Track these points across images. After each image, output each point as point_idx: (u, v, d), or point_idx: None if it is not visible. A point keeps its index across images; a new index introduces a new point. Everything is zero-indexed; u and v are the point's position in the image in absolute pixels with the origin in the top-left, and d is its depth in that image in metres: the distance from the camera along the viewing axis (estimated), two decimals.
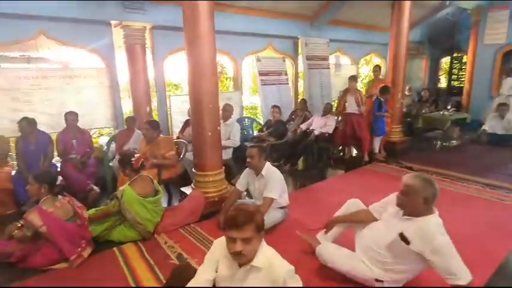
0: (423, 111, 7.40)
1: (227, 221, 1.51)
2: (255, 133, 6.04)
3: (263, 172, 3.07)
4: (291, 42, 7.13)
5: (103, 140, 5.25)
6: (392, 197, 2.17)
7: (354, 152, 5.97)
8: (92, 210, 3.03)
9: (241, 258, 1.50)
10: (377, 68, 6.20)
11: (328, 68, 7.41)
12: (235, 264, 1.57)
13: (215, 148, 3.58)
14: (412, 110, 7.53)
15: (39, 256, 2.55)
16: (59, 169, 4.25)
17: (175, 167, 3.94)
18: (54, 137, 4.43)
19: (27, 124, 4.05)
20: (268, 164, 3.12)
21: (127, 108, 5.81)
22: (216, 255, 1.65)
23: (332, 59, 7.82)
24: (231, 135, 4.58)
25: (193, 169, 3.68)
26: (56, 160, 4.47)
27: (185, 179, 4.25)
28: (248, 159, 3.04)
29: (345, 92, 5.48)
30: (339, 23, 7.34)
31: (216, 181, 3.61)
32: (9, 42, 4.29)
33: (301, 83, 7.38)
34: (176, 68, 6.71)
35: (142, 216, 2.93)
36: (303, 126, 5.78)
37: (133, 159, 2.93)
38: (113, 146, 4.83)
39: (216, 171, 3.61)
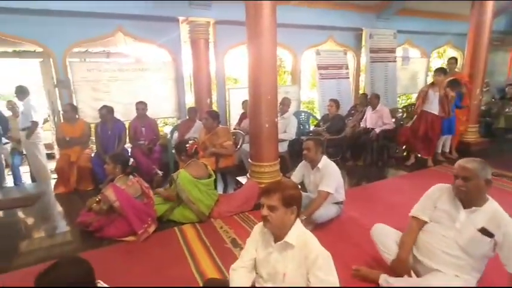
0: (506, 110, 6.51)
1: (262, 189, 1.64)
2: (311, 128, 5.94)
3: (319, 165, 3.01)
4: (354, 35, 6.82)
5: (167, 129, 5.65)
6: (436, 193, 2.05)
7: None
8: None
9: (267, 224, 1.56)
10: (453, 61, 5.58)
11: (395, 61, 6.92)
12: (271, 242, 1.62)
13: (271, 140, 3.61)
14: (492, 108, 6.67)
15: (113, 228, 2.86)
16: (129, 153, 4.69)
17: (232, 156, 4.07)
18: (126, 124, 4.89)
19: (106, 112, 4.55)
20: (325, 158, 3.05)
21: (189, 100, 6.15)
22: (256, 236, 1.72)
23: (399, 52, 7.28)
24: (287, 128, 4.57)
25: (249, 159, 3.77)
26: (127, 145, 4.94)
27: (240, 169, 4.38)
28: (304, 152, 3.01)
29: (429, 86, 4.82)
30: (408, 12, 6.79)
31: (272, 172, 3.64)
32: (92, 38, 4.84)
33: (363, 77, 7.03)
34: (236, 62, 6.87)
35: (195, 196, 3.10)
36: (350, 123, 5.47)
37: (187, 145, 3.12)
38: (175, 134, 5.17)
39: (272, 163, 3.64)
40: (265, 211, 1.54)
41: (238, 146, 4.29)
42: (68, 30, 4.57)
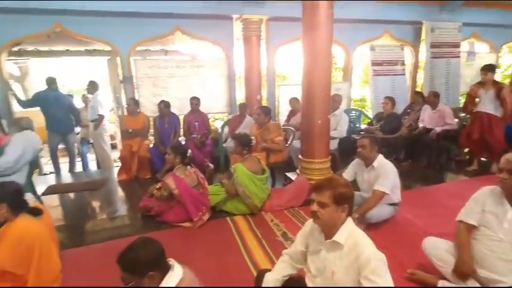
0: None
1: (313, 185, 1.66)
2: (362, 126, 5.75)
3: (374, 164, 2.91)
4: (413, 28, 6.43)
5: (218, 124, 5.85)
6: (483, 195, 1.97)
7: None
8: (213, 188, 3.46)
9: (316, 219, 1.57)
10: None
11: (459, 56, 6.39)
12: (321, 238, 1.62)
13: (323, 136, 3.58)
14: None
15: (171, 213, 3.07)
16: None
17: (282, 152, 4.10)
18: (181, 118, 5.17)
19: (164, 106, 4.86)
20: (380, 157, 2.95)
21: (239, 96, 6.30)
22: (307, 231, 1.73)
23: (464, 46, 6.71)
24: (338, 126, 4.49)
25: (299, 155, 3.77)
26: (181, 138, 5.22)
27: (288, 165, 4.40)
28: (359, 149, 2.94)
29: (478, 85, 4.55)
30: (476, 3, 6.21)
31: (322, 169, 3.62)
32: (154, 37, 5.17)
33: (421, 73, 6.61)
34: (285, 59, 6.87)
35: (251, 190, 3.19)
36: (406, 122, 5.14)
37: (252, 143, 3.23)
38: (226, 129, 5.34)
39: (323, 159, 3.61)
40: (315, 207, 1.55)
41: (289, 142, 4.31)
42: (132, 30, 4.94)
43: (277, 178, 4.30)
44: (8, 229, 2.05)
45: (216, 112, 5.96)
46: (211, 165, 4.80)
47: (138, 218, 3.40)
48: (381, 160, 2.92)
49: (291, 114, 5.39)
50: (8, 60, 5.23)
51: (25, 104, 4.69)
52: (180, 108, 5.35)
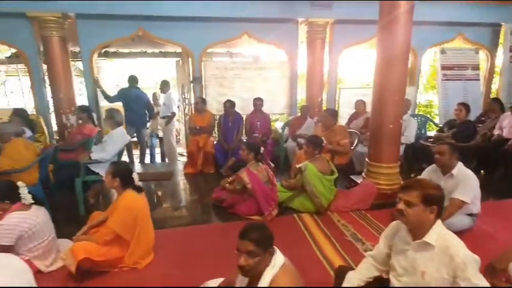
0: None
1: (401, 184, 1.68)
2: (428, 133, 5.50)
3: (454, 172, 2.82)
4: (490, 31, 5.99)
5: (278, 125, 6.00)
6: None
7: None
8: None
9: (401, 218, 1.58)
10: None
11: None
12: (407, 238, 1.63)
13: (393, 141, 3.53)
14: None
15: (243, 206, 3.27)
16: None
17: (347, 154, 4.11)
18: (244, 117, 5.39)
19: (230, 105, 5.12)
20: (460, 165, 2.84)
21: (299, 97, 6.38)
22: (392, 231, 1.75)
23: None
24: (406, 131, 4.36)
25: (366, 159, 3.75)
26: (243, 137, 5.45)
27: (350, 168, 4.39)
28: (437, 156, 2.86)
29: None
30: None
31: (390, 174, 3.57)
32: (223, 40, 5.48)
33: (496, 79, 6.13)
34: (343, 62, 6.77)
35: (319, 189, 3.26)
36: (480, 130, 4.77)
37: (323, 143, 3.32)
38: (286, 130, 5.47)
39: (391, 164, 3.56)
40: (401, 205, 1.57)
41: (354, 145, 4.30)
42: (204, 34, 5.29)
43: (340, 180, 4.31)
44: (118, 200, 2.42)
45: (277, 113, 6.12)
46: (272, 164, 4.94)
47: (209, 208, 3.66)
48: (461, 168, 2.81)
49: (353, 117, 5.35)
50: (76, 60, 5.87)
51: (111, 99, 5.26)
52: (244, 108, 5.58)
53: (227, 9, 4.98)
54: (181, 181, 4.87)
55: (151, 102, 6.48)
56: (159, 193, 4.38)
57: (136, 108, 5.39)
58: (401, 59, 3.28)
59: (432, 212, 1.56)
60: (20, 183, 2.34)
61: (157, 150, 6.77)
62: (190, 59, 5.45)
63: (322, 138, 3.44)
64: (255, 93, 5.49)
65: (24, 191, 2.30)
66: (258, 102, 5.22)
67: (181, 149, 6.74)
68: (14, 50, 5.41)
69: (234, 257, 2.16)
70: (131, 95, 5.29)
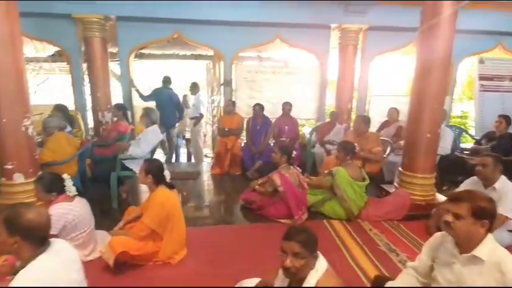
0: None
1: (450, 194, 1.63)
2: (462, 145, 5.29)
3: (496, 185, 2.70)
4: None
5: (305, 130, 5.96)
6: None
7: None
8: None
9: (449, 230, 1.52)
10: None
11: None
12: (454, 251, 1.57)
13: (430, 151, 3.42)
14: None
15: (273, 209, 3.27)
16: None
17: (379, 163, 4.03)
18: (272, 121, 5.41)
19: (259, 109, 5.15)
20: (504, 178, 2.72)
21: (328, 103, 6.33)
22: (435, 243, 1.69)
23: None
24: (441, 141, 4.20)
25: (399, 168, 3.66)
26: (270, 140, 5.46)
27: (379, 177, 4.29)
28: (479, 168, 2.74)
29: None
30: None
31: (425, 185, 3.45)
32: (256, 44, 5.54)
33: None
34: (379, 69, 6.67)
35: (349, 195, 3.21)
36: None
37: (356, 150, 3.27)
38: (313, 135, 5.42)
39: (427, 175, 3.45)
40: (449, 217, 1.52)
41: (387, 154, 4.20)
42: (237, 38, 5.37)
43: (370, 189, 4.22)
44: (152, 197, 2.49)
45: (305, 118, 6.09)
46: (299, 169, 4.91)
47: (236, 209, 3.68)
48: (505, 182, 2.69)
49: (384, 125, 5.24)
50: (113, 61, 6.11)
51: (145, 98, 5.43)
52: (273, 112, 5.60)
53: (261, 13, 5.03)
54: (208, 181, 4.93)
55: (185, 103, 6.67)
56: (186, 192, 4.45)
57: (167, 108, 5.53)
58: (442, 65, 3.19)
59: (483, 226, 1.50)
60: (65, 176, 2.46)
61: (182, 151, 6.91)
62: (222, 62, 5.55)
63: (355, 144, 3.39)
64: (283, 98, 5.49)
65: (69, 183, 2.41)
66: (286, 106, 5.22)
67: (206, 150, 6.84)
68: (57, 49, 5.71)
69: (265, 258, 2.21)
70: (164, 95, 5.44)
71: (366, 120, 4.01)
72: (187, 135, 6.80)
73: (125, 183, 4.02)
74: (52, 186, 2.36)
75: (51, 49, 5.89)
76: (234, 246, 2.79)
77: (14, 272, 1.41)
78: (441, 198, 3.55)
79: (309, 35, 5.46)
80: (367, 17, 5.14)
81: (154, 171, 2.47)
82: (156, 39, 5.31)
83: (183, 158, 6.78)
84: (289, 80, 5.71)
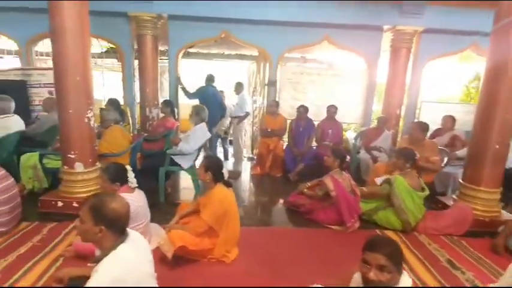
0: None
1: None
2: None
3: None
4: None
5: (349, 134, 5.79)
6: None
7: None
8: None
9: None
10: None
11: None
12: None
13: (497, 163, 3.15)
14: None
15: (322, 214, 3.16)
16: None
17: (435, 173, 3.79)
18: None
19: (303, 111, 5.06)
20: None
21: (375, 108, 6.09)
22: None
23: None
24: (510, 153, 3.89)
25: (460, 180, 3.41)
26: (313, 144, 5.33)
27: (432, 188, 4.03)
28: None
29: None
30: None
31: (489, 200, 3.19)
32: (302, 45, 5.46)
33: None
34: (431, 74, 6.33)
35: (408, 205, 3.03)
36: None
37: (416, 157, 3.10)
38: (358, 140, 5.23)
39: (492, 189, 3.18)
40: None
41: (444, 163, 3.95)
42: (284, 38, 5.32)
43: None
44: (211, 194, 2.48)
45: (349, 122, 5.91)
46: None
47: (282, 211, 3.61)
48: None
49: (436, 133, 4.93)
50: (161, 59, 6.26)
51: (190, 96, 5.52)
52: (316, 114, 5.48)
53: (310, 13, 4.95)
54: (249, 181, 4.91)
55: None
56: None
57: (211, 106, 5.53)
58: None
59: None
60: (128, 167, 2.52)
61: (218, 150, 6.94)
62: (267, 63, 5.52)
63: (415, 152, 3.20)
64: (328, 100, 5.38)
65: (131, 175, 2.47)
66: (332, 109, 5.09)
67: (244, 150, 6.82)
68: (110, 45, 5.99)
69: (319, 263, 2.12)
70: (208, 93, 5.49)
71: (423, 127, 3.78)
72: (224, 135, 6.83)
73: (171, 178, 4.09)
74: (117, 176, 2.43)
75: (104, 46, 6.20)
76: (284, 249, 2.72)
77: (96, 260, 1.45)
78: (507, 215, 3.27)
79: (358, 37, 5.29)
80: (424, 18, 4.90)
81: (213, 168, 2.47)
82: (204, 38, 5.39)
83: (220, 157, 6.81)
84: (335, 83, 5.57)
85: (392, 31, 5.12)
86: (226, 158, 6.82)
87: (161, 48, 6.16)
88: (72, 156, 3.09)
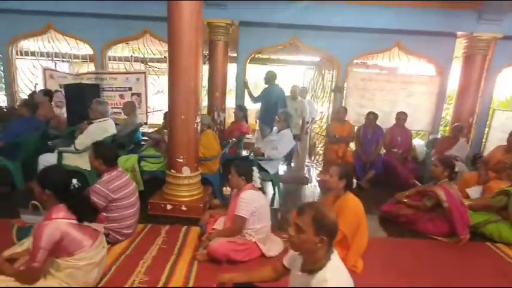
0: None
1: None
2: None
3: None
4: None
5: (416, 142, 5.65)
6: None
7: None
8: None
9: None
10: None
11: None
12: None
13: None
14: None
15: (431, 225, 3.11)
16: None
17: None
18: None
19: (373, 118, 5.00)
20: None
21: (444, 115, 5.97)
22: None
23: None
24: None
25: None
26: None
27: None
28: None
29: None
30: None
31: None
32: (372, 52, 5.42)
33: None
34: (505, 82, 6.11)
35: None
36: None
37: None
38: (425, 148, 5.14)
39: None
40: None
41: None
42: (354, 44, 5.29)
43: None
44: (344, 203, 2.48)
45: (417, 130, 5.81)
46: (418, 183, 4.68)
47: (374, 219, 3.55)
48: None
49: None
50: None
51: (256, 100, 5.53)
52: (382, 121, 5.40)
53: (382, 19, 4.92)
54: (318, 188, 4.88)
55: None
56: (301, 197, 4.43)
57: (273, 107, 5.53)
58: None
59: None
60: (254, 168, 2.57)
61: None
62: (333, 69, 5.51)
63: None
64: (395, 107, 5.32)
65: (256, 175, 2.52)
66: (402, 116, 5.02)
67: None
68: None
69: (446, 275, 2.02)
70: (273, 93, 5.41)
71: None
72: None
73: None
74: (245, 171, 2.51)
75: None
76: (406, 259, 2.69)
77: (305, 269, 1.48)
78: None
79: (430, 43, 5.21)
80: (503, 25, 4.78)
81: (348, 176, 2.48)
82: (273, 44, 5.43)
83: None
84: (404, 90, 5.49)
85: (467, 37, 5.02)
86: (288, 163, 6.79)
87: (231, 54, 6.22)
88: (181, 160, 3.16)
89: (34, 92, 5.49)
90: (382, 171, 4.90)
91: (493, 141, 5.33)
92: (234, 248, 2.43)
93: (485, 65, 5.15)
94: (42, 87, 5.51)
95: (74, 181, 1.93)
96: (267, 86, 5.57)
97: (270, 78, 5.54)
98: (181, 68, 3.01)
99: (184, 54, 2.99)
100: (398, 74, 6.28)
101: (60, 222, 1.82)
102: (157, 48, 6.31)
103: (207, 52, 5.46)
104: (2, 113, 5.07)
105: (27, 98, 5.42)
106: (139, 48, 5.85)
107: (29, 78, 6.09)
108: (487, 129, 5.47)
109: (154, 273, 2.28)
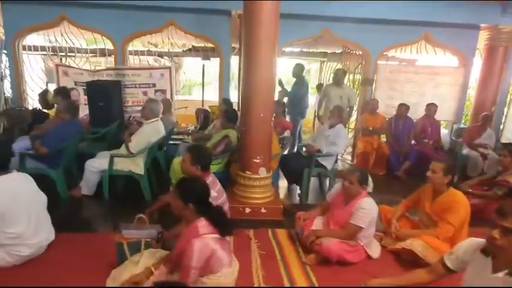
0: None
1: None
2: None
3: None
4: None
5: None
6: None
7: None
8: None
9: None
10: None
11: None
12: None
13: None
14: None
15: None
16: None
17: None
18: None
19: (405, 109, 5.09)
20: None
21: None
22: None
23: None
24: None
25: None
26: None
27: None
28: None
29: None
30: None
31: None
32: (401, 44, 5.49)
33: None
34: None
35: None
36: None
37: None
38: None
39: None
40: None
41: None
42: (384, 36, 5.33)
43: None
44: (450, 198, 2.51)
45: (442, 119, 6.02)
46: None
47: None
48: None
49: None
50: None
51: (289, 93, 5.43)
52: (411, 112, 5.54)
53: (410, 12, 4.96)
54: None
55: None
56: None
57: (301, 99, 5.49)
58: None
59: None
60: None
61: None
62: (362, 61, 5.54)
63: None
64: (423, 98, 5.46)
65: (370, 179, 2.48)
66: (432, 107, 5.15)
67: None
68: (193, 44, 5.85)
69: None
70: (303, 86, 5.34)
71: None
72: None
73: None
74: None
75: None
76: None
77: None
78: None
79: (454, 35, 5.35)
80: None
81: (452, 173, 2.50)
82: (303, 37, 5.34)
83: None
84: (431, 81, 5.64)
85: (490, 29, 5.21)
86: None
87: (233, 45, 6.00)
88: (258, 161, 3.05)
89: (46, 91, 5.05)
90: (416, 162, 5.03)
91: (508, 135, 5.67)
92: (346, 248, 2.39)
93: (506, 56, 5.41)
94: (54, 86, 5.07)
95: (213, 193, 1.79)
96: (296, 79, 5.52)
97: (298, 71, 5.50)
98: (260, 66, 2.87)
99: (262, 50, 2.86)
100: (425, 65, 6.42)
101: (208, 239, 1.69)
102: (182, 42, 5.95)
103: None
104: (37, 113, 4.63)
105: (39, 95, 4.95)
106: (163, 41, 5.49)
107: (38, 75, 5.57)
108: (504, 118, 5.76)
109: (275, 279, 2.19)
